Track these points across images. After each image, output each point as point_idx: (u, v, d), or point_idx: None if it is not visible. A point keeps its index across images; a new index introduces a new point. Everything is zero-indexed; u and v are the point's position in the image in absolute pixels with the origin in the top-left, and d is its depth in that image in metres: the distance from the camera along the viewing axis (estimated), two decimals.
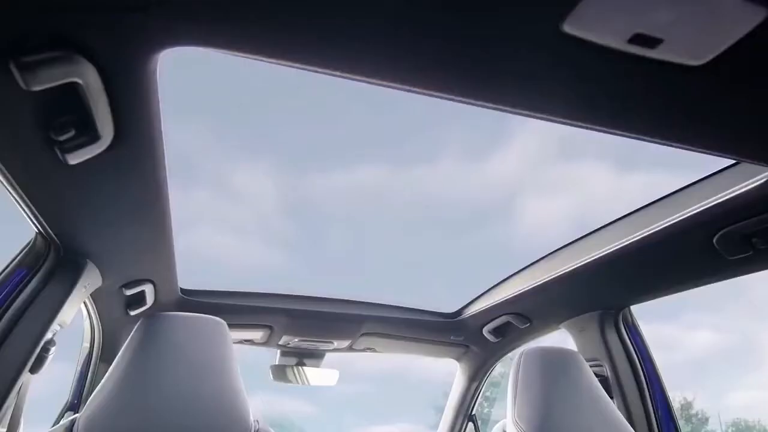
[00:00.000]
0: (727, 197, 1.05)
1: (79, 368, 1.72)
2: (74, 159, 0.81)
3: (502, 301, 1.83)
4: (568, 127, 0.97)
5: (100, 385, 0.98)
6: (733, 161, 1.03)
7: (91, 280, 1.31)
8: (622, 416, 1.33)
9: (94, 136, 0.78)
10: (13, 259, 1.17)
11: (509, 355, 2.20)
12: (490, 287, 1.93)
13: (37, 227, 1.13)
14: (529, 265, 1.73)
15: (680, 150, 0.97)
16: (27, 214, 1.06)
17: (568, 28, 0.59)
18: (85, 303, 1.53)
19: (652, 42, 0.61)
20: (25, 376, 1.13)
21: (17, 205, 1.02)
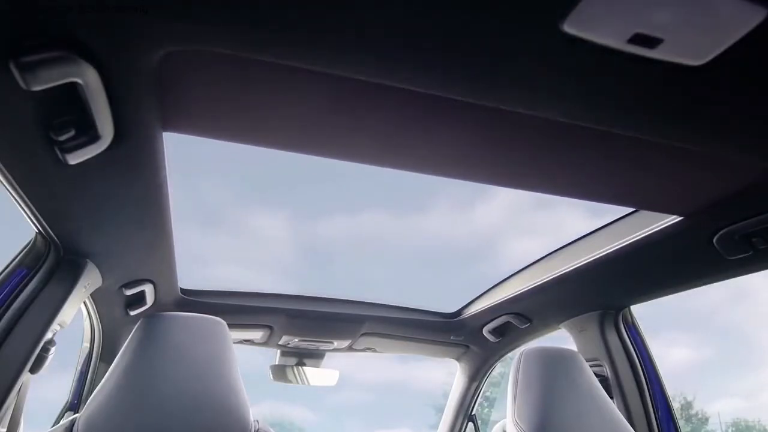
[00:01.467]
0: (727, 197, 1.05)
1: (79, 368, 1.72)
2: (74, 159, 0.81)
3: (502, 301, 1.82)
4: None
5: (100, 385, 0.98)
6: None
7: (91, 280, 1.31)
8: (622, 416, 1.33)
9: (94, 136, 0.78)
10: (13, 259, 1.17)
11: (509, 355, 2.21)
12: (490, 287, 1.93)
13: (37, 227, 1.13)
14: (529, 265, 1.73)
15: None
16: (27, 214, 1.06)
17: (568, 28, 0.59)
18: (85, 303, 1.53)
19: (652, 42, 0.61)
20: (25, 376, 1.13)
21: (17, 205, 1.02)
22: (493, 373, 2.35)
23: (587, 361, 1.44)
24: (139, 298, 1.56)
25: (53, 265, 1.20)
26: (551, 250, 1.63)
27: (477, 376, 2.29)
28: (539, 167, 1.04)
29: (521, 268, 1.77)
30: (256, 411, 1.04)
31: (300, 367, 2.13)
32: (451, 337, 2.13)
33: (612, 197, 1.16)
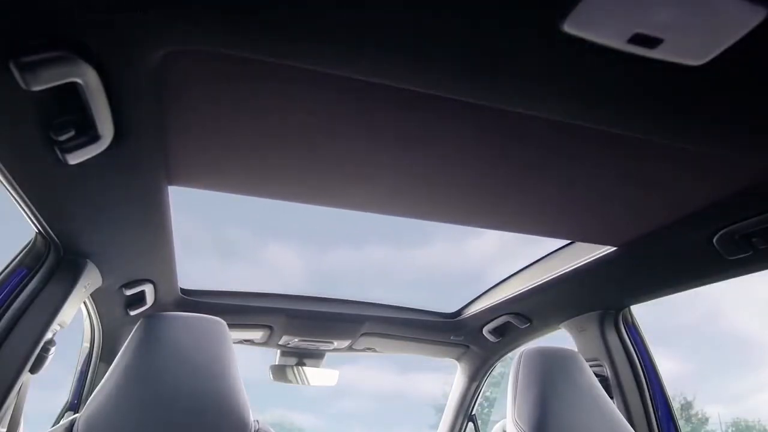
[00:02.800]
0: (727, 197, 1.05)
1: (79, 368, 1.72)
2: (74, 159, 0.81)
3: (502, 301, 1.82)
4: None
5: (100, 385, 0.98)
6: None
7: (91, 280, 1.31)
8: (622, 416, 1.33)
9: (94, 136, 0.78)
10: (13, 259, 1.17)
11: (509, 355, 2.21)
12: (490, 287, 1.93)
13: (37, 227, 1.13)
14: (529, 265, 1.73)
15: None
16: (27, 214, 1.06)
17: (568, 28, 0.59)
18: (85, 303, 1.53)
19: (652, 42, 0.61)
20: (25, 376, 1.13)
21: (17, 205, 1.02)
22: (493, 373, 2.35)
23: (587, 361, 1.44)
24: (139, 298, 1.56)
25: (53, 265, 1.20)
26: (551, 251, 1.63)
27: (477, 376, 2.29)
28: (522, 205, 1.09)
29: (521, 268, 1.77)
30: (257, 415, 1.04)
31: (300, 367, 2.13)
32: (451, 337, 2.13)
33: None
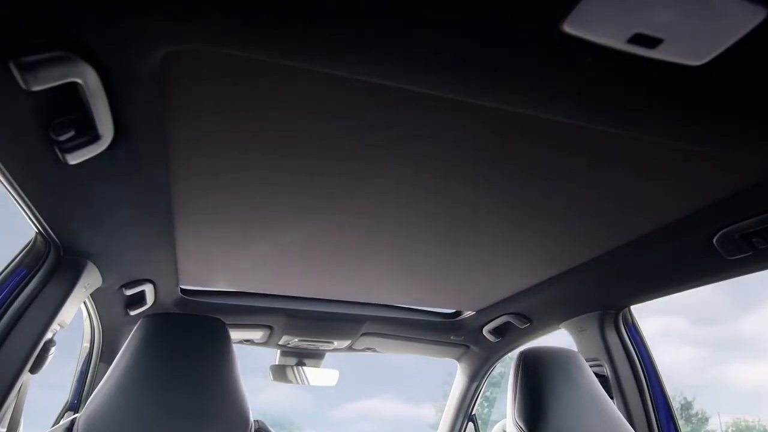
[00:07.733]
0: (727, 197, 1.05)
1: (79, 368, 1.72)
2: (74, 159, 0.81)
3: (502, 301, 1.83)
4: None
5: (100, 385, 0.98)
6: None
7: (91, 280, 1.31)
8: (622, 416, 1.33)
9: (94, 136, 0.78)
10: (13, 259, 1.17)
11: (509, 355, 2.21)
12: None
13: (37, 227, 1.13)
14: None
15: None
16: (27, 214, 1.06)
17: (568, 28, 0.59)
18: (85, 303, 1.53)
19: (652, 42, 0.61)
20: (25, 376, 1.13)
21: (17, 205, 1.02)
22: (493, 373, 2.35)
23: (587, 361, 1.44)
24: (139, 298, 1.56)
25: (53, 265, 1.20)
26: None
27: (477, 376, 2.29)
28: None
29: None
30: None
31: (300, 367, 2.13)
32: (451, 337, 2.13)
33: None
